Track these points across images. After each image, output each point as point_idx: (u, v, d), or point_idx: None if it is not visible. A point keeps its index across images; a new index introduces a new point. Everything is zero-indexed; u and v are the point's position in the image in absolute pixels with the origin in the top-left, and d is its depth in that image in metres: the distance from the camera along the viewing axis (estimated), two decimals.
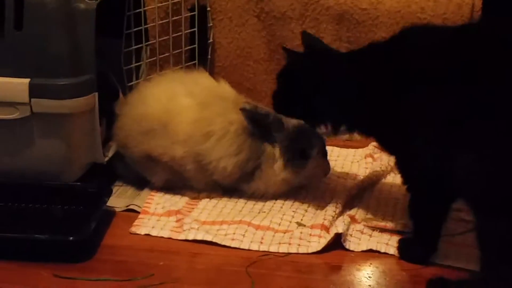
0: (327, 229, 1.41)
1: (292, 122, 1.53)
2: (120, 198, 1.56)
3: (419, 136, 1.27)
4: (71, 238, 1.34)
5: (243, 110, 1.49)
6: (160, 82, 1.58)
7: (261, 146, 1.51)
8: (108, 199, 1.48)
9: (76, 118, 1.50)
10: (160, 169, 1.54)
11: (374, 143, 1.77)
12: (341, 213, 1.48)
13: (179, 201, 1.55)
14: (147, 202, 1.53)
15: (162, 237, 1.43)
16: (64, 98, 1.47)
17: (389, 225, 1.45)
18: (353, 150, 1.79)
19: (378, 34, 1.87)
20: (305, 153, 1.53)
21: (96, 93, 1.52)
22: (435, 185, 1.29)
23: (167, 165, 1.52)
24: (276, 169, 1.51)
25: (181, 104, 1.51)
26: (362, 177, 1.64)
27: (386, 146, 1.40)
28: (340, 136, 1.85)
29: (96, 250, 1.38)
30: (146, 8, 1.76)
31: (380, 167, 1.67)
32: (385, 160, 1.70)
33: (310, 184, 1.59)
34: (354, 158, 1.75)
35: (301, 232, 1.42)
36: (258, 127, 1.50)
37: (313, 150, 1.53)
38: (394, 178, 1.66)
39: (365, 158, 1.74)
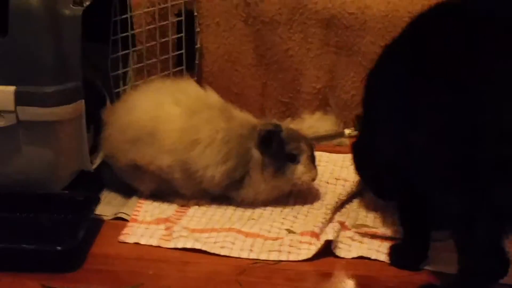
0: (317, 236, 1.40)
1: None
2: (108, 206, 1.54)
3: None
4: (58, 247, 1.32)
5: (269, 133, 1.49)
6: (146, 90, 1.57)
7: (249, 153, 1.50)
8: (96, 207, 1.47)
9: (63, 125, 1.49)
10: (147, 177, 1.52)
11: None
12: (331, 220, 1.47)
13: (168, 209, 1.53)
14: (135, 210, 1.52)
15: (151, 245, 1.41)
16: (51, 106, 1.45)
17: (380, 231, 1.44)
18: (342, 155, 1.77)
19: (366, 38, 1.87)
20: (294, 159, 1.52)
21: (83, 100, 1.50)
22: (405, 183, 1.30)
23: (155, 174, 1.51)
24: (265, 176, 1.50)
25: (167, 113, 1.50)
26: (351, 183, 1.63)
27: None
28: (329, 141, 1.85)
29: (85, 260, 1.36)
30: (132, 13, 1.75)
31: None
32: None
33: (299, 190, 1.58)
34: (343, 163, 1.74)
35: (291, 239, 1.41)
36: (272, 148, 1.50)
37: (302, 155, 1.53)
38: None
39: None
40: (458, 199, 1.19)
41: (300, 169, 1.52)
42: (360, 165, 1.53)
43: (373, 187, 1.52)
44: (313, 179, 1.55)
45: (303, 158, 1.53)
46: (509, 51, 1.15)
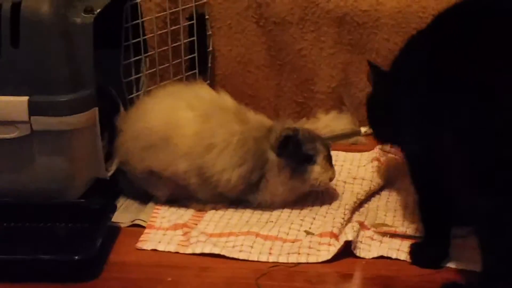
0: (336, 237, 1.39)
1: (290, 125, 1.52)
2: (124, 213, 1.53)
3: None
4: (76, 257, 1.32)
5: (288, 138, 1.48)
6: (159, 96, 1.57)
7: (265, 155, 1.49)
8: (113, 215, 1.46)
9: (77, 134, 1.48)
10: (163, 183, 1.51)
11: (380, 146, 1.75)
12: (349, 220, 1.46)
13: (184, 214, 1.52)
14: (152, 216, 1.51)
15: (169, 251, 1.41)
16: (64, 115, 1.45)
17: (399, 230, 1.43)
18: (358, 154, 1.76)
19: (380, 35, 1.85)
20: (310, 159, 1.51)
21: (97, 108, 1.50)
22: (429, 179, 1.29)
23: (171, 180, 1.50)
24: (281, 178, 1.49)
25: (181, 117, 1.49)
26: (369, 181, 1.61)
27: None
28: (346, 140, 1.84)
29: (103, 268, 1.36)
30: (144, 19, 1.74)
31: (387, 170, 1.64)
32: (391, 163, 1.68)
33: (317, 191, 1.57)
34: (360, 162, 1.73)
35: (310, 241, 1.40)
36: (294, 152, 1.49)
37: (318, 156, 1.51)
38: (402, 182, 1.64)
39: (372, 161, 1.71)
40: (487, 200, 1.17)
41: (317, 170, 1.51)
42: (372, 120, 1.52)
43: (382, 138, 1.53)
44: (331, 179, 1.54)
45: (320, 158, 1.51)
46: None
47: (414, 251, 1.36)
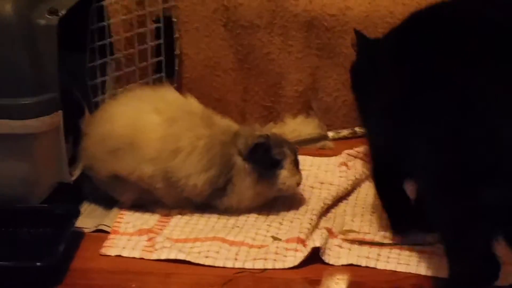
0: (303, 243, 1.38)
1: (261, 131, 1.50)
2: (88, 218, 1.51)
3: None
4: (39, 263, 1.29)
5: (259, 145, 1.47)
6: (125, 99, 1.55)
7: (232, 160, 1.48)
8: (76, 220, 1.44)
9: (40, 137, 1.46)
10: (128, 188, 1.49)
11: (348, 151, 1.75)
12: (317, 225, 1.45)
13: (150, 219, 1.50)
14: (117, 222, 1.49)
15: (134, 257, 1.39)
16: (28, 118, 1.42)
17: (368, 237, 1.42)
18: (326, 158, 1.75)
19: (348, 40, 1.84)
20: (277, 164, 1.50)
21: (61, 111, 1.47)
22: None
23: (136, 184, 1.48)
24: (248, 182, 1.48)
25: (147, 121, 1.47)
26: (336, 186, 1.60)
27: None
28: (313, 144, 1.83)
29: (66, 275, 1.33)
30: (110, 21, 1.72)
31: (355, 175, 1.64)
32: (359, 168, 1.68)
33: (284, 195, 1.56)
34: (327, 167, 1.72)
35: (276, 247, 1.39)
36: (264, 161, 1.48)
37: (285, 160, 1.50)
38: (370, 186, 1.64)
39: (339, 166, 1.71)
40: (448, 204, 1.17)
41: (284, 174, 1.50)
42: (356, 89, 1.51)
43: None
44: (298, 184, 1.53)
45: (287, 163, 1.50)
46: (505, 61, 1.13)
47: None
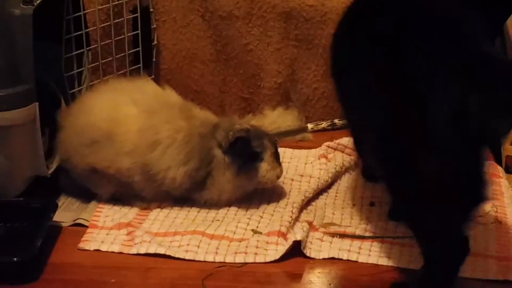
0: (284, 236, 1.37)
1: (241, 124, 1.48)
2: (66, 212, 1.49)
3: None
4: (15, 258, 1.27)
5: (240, 138, 1.45)
6: (102, 91, 1.52)
7: (211, 152, 1.46)
8: (54, 214, 1.41)
9: (16, 130, 1.43)
10: (106, 181, 1.47)
11: (327, 143, 1.74)
12: (297, 218, 1.44)
13: (128, 213, 1.48)
14: (95, 215, 1.47)
15: (112, 252, 1.37)
16: (2, 110, 1.40)
17: (349, 230, 1.41)
18: (306, 151, 1.74)
19: (327, 30, 1.83)
20: (257, 157, 1.48)
21: (37, 103, 1.45)
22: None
23: (114, 177, 1.46)
24: (228, 175, 1.46)
25: (125, 113, 1.45)
26: (316, 179, 1.59)
27: None
28: (293, 136, 1.82)
29: (43, 270, 1.31)
30: (86, 11, 1.69)
31: (335, 168, 1.63)
32: (339, 160, 1.67)
33: (264, 188, 1.54)
34: (307, 159, 1.71)
35: (257, 240, 1.38)
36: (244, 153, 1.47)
37: (265, 153, 1.49)
38: (350, 179, 1.63)
39: (319, 158, 1.70)
40: (400, 182, 1.20)
41: (264, 167, 1.49)
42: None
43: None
44: (278, 177, 1.52)
45: (267, 155, 1.49)
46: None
47: None
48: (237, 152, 1.46)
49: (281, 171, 1.51)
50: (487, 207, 1.50)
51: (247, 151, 1.47)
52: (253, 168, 1.48)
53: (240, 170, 1.47)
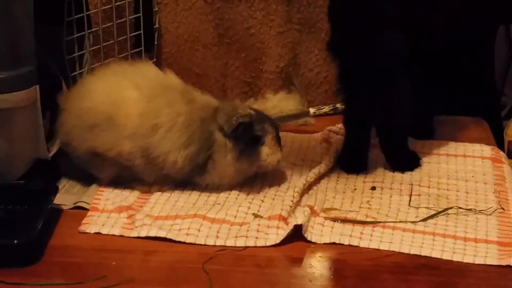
0: (285, 220, 1.37)
1: (245, 109, 1.48)
2: (67, 195, 1.49)
3: None
4: (15, 241, 1.27)
5: (243, 124, 1.45)
6: (103, 74, 1.51)
7: (212, 136, 1.46)
8: (54, 197, 1.41)
9: (16, 112, 1.43)
10: (107, 165, 1.47)
11: (329, 127, 1.73)
12: (299, 202, 1.44)
13: (129, 196, 1.48)
14: (96, 198, 1.46)
15: (113, 235, 1.36)
16: (3, 92, 1.40)
17: (350, 215, 1.41)
18: (307, 135, 1.74)
19: None
20: (258, 140, 1.48)
21: (37, 86, 1.44)
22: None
23: (115, 161, 1.45)
24: (229, 159, 1.46)
25: (126, 97, 1.44)
26: (318, 163, 1.59)
27: None
28: (295, 121, 1.82)
29: (44, 252, 1.31)
30: None
31: (336, 152, 1.63)
32: (341, 144, 1.66)
33: (265, 172, 1.54)
34: (309, 144, 1.70)
35: (258, 224, 1.37)
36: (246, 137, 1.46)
37: (267, 137, 1.48)
38: None
39: (321, 143, 1.69)
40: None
41: (265, 151, 1.48)
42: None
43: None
44: (279, 161, 1.51)
45: (268, 139, 1.48)
46: None
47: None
48: (239, 136, 1.45)
49: (282, 155, 1.51)
50: (489, 192, 1.50)
51: (249, 135, 1.47)
52: (255, 152, 1.48)
53: (241, 154, 1.46)
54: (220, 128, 1.46)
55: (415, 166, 1.59)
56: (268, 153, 1.48)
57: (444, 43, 1.58)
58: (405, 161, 1.59)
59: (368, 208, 1.44)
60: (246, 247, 1.33)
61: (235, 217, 1.41)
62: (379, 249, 1.32)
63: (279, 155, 1.50)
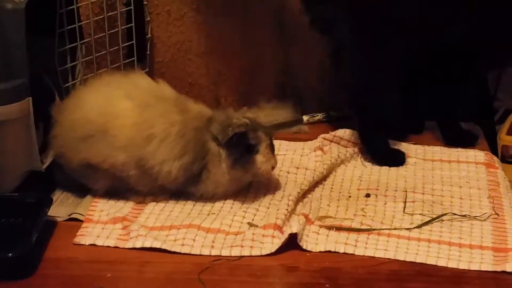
0: (280, 229, 1.37)
1: (239, 119, 1.48)
2: (61, 207, 1.48)
3: None
4: (10, 254, 1.27)
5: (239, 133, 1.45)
6: (96, 85, 1.51)
7: (206, 146, 1.46)
8: (49, 209, 1.41)
9: (9, 125, 1.43)
10: (101, 176, 1.47)
11: (323, 135, 1.73)
12: (293, 211, 1.44)
13: (124, 207, 1.48)
14: (90, 210, 1.46)
15: (108, 246, 1.36)
16: None
17: (344, 223, 1.41)
18: (301, 143, 1.74)
19: None
20: (253, 149, 1.48)
21: (30, 98, 1.44)
22: None
23: (109, 172, 1.45)
24: (223, 168, 1.46)
25: (119, 107, 1.44)
26: (312, 171, 1.59)
27: None
28: (288, 129, 1.82)
29: (39, 265, 1.31)
30: (79, 4, 1.68)
31: (330, 160, 1.63)
32: (335, 152, 1.66)
33: (260, 181, 1.54)
34: (303, 152, 1.70)
35: (253, 233, 1.37)
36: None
37: (260, 145, 1.48)
38: (345, 170, 1.63)
39: (315, 151, 1.69)
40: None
41: (259, 159, 1.48)
42: None
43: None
44: (273, 168, 1.51)
45: (262, 147, 1.48)
46: None
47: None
48: (233, 145, 1.45)
49: (276, 162, 1.51)
50: (484, 198, 1.50)
51: (243, 144, 1.46)
52: (249, 161, 1.47)
53: (236, 163, 1.46)
54: (214, 138, 1.46)
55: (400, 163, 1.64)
56: (262, 161, 1.48)
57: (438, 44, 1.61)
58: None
59: (363, 215, 1.44)
60: (242, 256, 1.33)
61: (230, 226, 1.41)
62: (374, 257, 1.32)
63: (273, 162, 1.50)
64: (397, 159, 1.65)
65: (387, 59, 1.59)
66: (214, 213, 1.46)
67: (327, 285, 1.26)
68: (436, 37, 1.60)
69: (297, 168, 1.63)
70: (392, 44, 1.58)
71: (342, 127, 1.72)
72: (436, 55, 1.65)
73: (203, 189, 1.48)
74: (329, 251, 1.33)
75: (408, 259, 1.31)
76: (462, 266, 1.29)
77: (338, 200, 1.51)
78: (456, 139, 1.72)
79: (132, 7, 1.81)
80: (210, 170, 1.46)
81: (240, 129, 1.45)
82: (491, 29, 1.58)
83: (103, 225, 1.42)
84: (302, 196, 1.51)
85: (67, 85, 1.66)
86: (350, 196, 1.52)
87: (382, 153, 1.66)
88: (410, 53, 1.62)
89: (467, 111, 1.81)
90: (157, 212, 1.46)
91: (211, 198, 1.49)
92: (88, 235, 1.39)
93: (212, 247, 1.35)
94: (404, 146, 1.70)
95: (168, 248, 1.34)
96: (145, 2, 1.84)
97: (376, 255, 1.32)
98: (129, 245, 1.36)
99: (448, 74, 1.67)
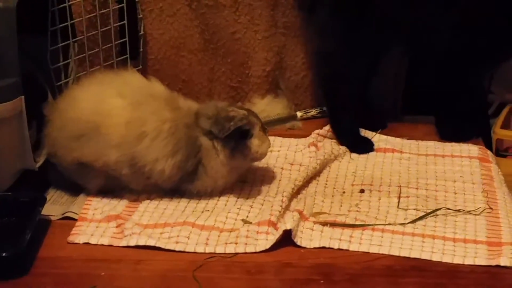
0: (274, 226, 1.36)
1: (237, 111, 1.47)
2: (55, 205, 1.48)
3: None
4: (4, 253, 1.27)
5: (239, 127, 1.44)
6: (88, 84, 1.50)
7: (197, 142, 1.45)
8: (42, 208, 1.41)
9: (2, 123, 1.42)
10: (94, 174, 1.46)
11: (317, 131, 1.73)
12: (288, 207, 1.44)
13: (118, 205, 1.48)
14: (84, 208, 1.46)
15: (102, 244, 1.36)
16: None
17: (339, 219, 1.41)
18: (295, 139, 1.74)
19: None
20: (247, 134, 1.47)
21: (23, 97, 1.43)
22: None
23: (102, 171, 1.45)
24: (222, 159, 1.45)
25: (111, 106, 1.44)
26: (306, 167, 1.59)
27: None
28: (282, 125, 1.82)
29: (33, 264, 1.30)
30: (71, 2, 1.67)
31: (324, 156, 1.63)
32: (328, 148, 1.66)
33: (254, 177, 1.54)
34: (297, 148, 1.70)
35: (247, 230, 1.37)
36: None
37: (254, 128, 1.47)
38: (339, 166, 1.63)
39: (309, 147, 1.69)
40: None
41: (255, 143, 1.46)
42: None
43: None
44: (268, 148, 1.50)
45: (256, 130, 1.47)
46: None
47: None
48: (228, 135, 1.44)
49: (269, 143, 1.50)
50: (478, 192, 1.50)
51: (237, 131, 1.45)
52: (245, 146, 1.46)
53: (233, 151, 1.45)
54: (205, 132, 1.45)
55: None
56: (258, 145, 1.47)
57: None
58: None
59: (357, 211, 1.44)
60: (236, 253, 1.33)
61: (225, 223, 1.41)
62: (368, 252, 1.32)
63: (268, 143, 1.49)
64: (364, 147, 1.68)
65: (360, 47, 1.63)
66: (208, 210, 1.46)
67: (322, 281, 1.26)
68: (425, 35, 1.61)
69: (291, 164, 1.63)
70: (366, 33, 1.62)
71: None
72: (432, 54, 1.65)
73: (200, 186, 1.47)
74: (324, 247, 1.34)
75: (402, 254, 1.31)
76: (457, 260, 1.29)
77: (332, 196, 1.51)
78: (453, 134, 1.71)
79: (124, 4, 1.80)
80: (206, 165, 1.46)
81: (242, 122, 1.44)
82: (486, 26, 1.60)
83: (97, 223, 1.41)
84: (296, 192, 1.50)
85: (59, 83, 1.65)
86: (344, 192, 1.52)
87: (349, 137, 1.70)
88: (386, 46, 1.68)
89: (466, 106, 1.80)
90: (151, 210, 1.46)
91: (211, 192, 1.49)
92: (82, 234, 1.38)
93: (207, 244, 1.35)
94: (398, 141, 1.70)
95: (163, 246, 1.34)
96: None
97: (371, 251, 1.32)
98: (123, 243, 1.35)
99: (447, 72, 1.67)
